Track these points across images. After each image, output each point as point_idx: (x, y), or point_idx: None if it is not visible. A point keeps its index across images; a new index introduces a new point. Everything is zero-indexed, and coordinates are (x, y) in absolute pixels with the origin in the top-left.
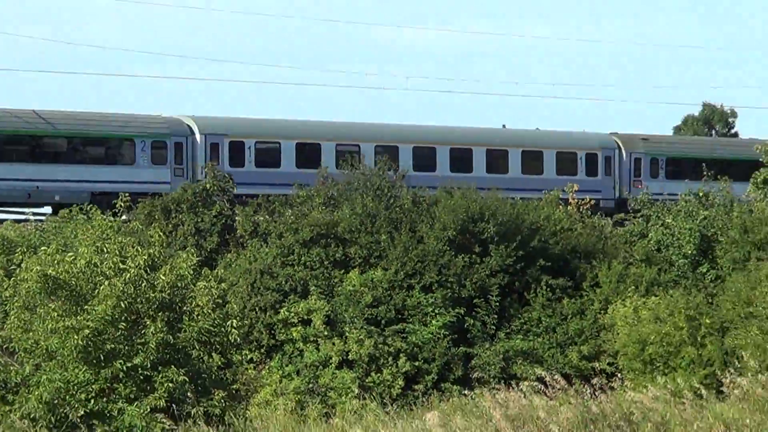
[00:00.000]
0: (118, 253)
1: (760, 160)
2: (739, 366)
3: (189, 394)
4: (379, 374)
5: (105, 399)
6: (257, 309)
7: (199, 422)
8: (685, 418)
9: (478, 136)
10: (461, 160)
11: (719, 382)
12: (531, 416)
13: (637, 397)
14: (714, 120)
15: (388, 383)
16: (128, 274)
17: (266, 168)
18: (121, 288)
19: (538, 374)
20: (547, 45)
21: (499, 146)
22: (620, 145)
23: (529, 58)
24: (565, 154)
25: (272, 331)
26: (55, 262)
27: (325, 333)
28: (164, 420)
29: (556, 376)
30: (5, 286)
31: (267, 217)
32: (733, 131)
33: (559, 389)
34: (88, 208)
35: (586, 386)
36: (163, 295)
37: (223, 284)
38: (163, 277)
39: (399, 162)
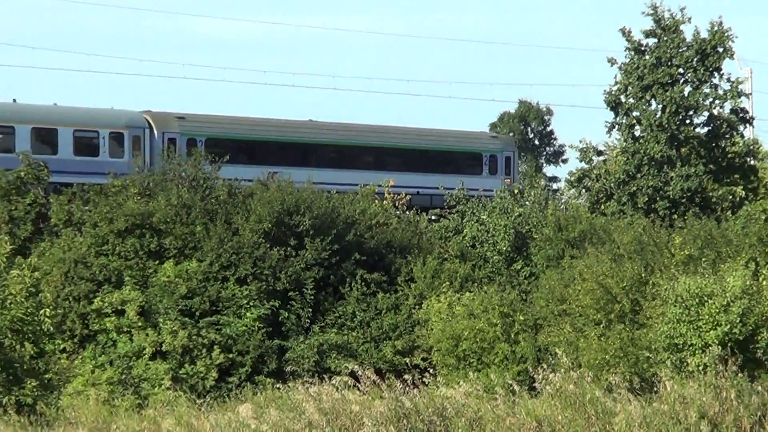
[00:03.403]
0: None
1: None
2: (551, 362)
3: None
4: (192, 366)
5: None
6: (71, 298)
7: (10, 411)
8: (497, 414)
9: None
10: None
11: (532, 379)
12: (344, 410)
13: (450, 393)
14: (530, 117)
15: (202, 375)
16: None
17: None
18: None
19: (352, 368)
20: (363, 38)
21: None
22: (152, 124)
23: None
24: (85, 133)
25: (86, 321)
26: None
27: (139, 324)
28: None
29: (368, 371)
30: None
31: (81, 206)
32: (548, 129)
33: (371, 384)
34: None
35: (398, 381)
36: None
37: (36, 273)
38: None
39: None
